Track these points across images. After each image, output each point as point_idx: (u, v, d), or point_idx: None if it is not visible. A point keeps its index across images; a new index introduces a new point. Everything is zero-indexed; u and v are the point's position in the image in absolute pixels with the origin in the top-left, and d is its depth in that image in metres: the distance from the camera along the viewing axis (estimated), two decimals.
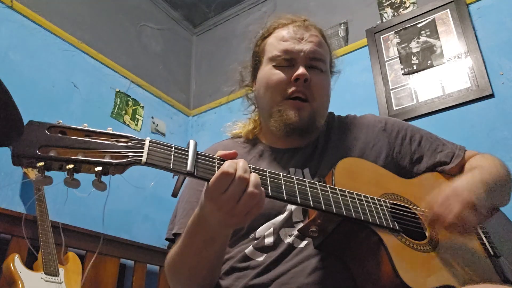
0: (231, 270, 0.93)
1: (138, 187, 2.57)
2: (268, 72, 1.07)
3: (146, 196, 2.69)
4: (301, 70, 1.02)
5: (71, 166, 0.61)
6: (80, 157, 0.61)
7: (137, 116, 2.90)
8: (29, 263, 1.78)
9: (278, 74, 1.05)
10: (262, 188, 0.72)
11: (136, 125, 2.87)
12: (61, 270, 1.80)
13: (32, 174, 1.96)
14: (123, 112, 2.80)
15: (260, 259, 0.90)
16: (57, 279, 1.75)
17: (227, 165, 0.69)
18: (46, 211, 1.88)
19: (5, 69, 2.14)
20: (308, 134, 1.06)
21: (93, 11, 2.84)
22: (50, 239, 1.81)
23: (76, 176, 0.62)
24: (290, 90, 1.03)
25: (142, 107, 2.97)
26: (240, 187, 0.69)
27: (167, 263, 0.94)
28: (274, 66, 1.07)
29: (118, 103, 2.78)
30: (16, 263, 1.70)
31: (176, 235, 0.99)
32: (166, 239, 1.04)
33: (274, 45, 1.09)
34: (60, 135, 0.63)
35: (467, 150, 1.12)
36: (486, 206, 0.86)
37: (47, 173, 0.61)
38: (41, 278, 1.70)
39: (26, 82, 2.23)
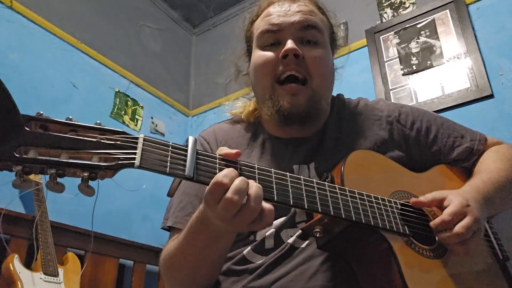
0: (228, 272, 0.89)
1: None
2: (256, 56, 0.97)
3: (145, 196, 2.69)
4: (289, 44, 0.89)
5: (53, 171, 0.54)
6: (64, 160, 0.54)
7: (136, 116, 2.90)
8: (28, 263, 1.78)
9: (265, 55, 0.94)
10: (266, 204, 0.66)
11: (136, 125, 2.87)
12: (61, 271, 1.80)
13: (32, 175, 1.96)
14: (123, 112, 2.80)
15: (259, 261, 0.85)
16: (57, 279, 1.75)
17: (222, 175, 0.63)
18: (46, 211, 1.88)
19: (4, 69, 2.13)
20: (309, 120, 0.94)
21: (92, 11, 2.84)
22: (49, 239, 1.81)
23: (61, 178, 0.56)
24: (279, 70, 0.91)
25: (142, 107, 2.97)
26: (235, 203, 0.62)
27: (164, 260, 0.88)
28: (262, 47, 0.96)
29: (117, 103, 2.78)
30: (15, 263, 1.70)
31: (172, 228, 0.94)
32: (162, 228, 0.99)
33: (260, 24, 0.99)
34: (41, 130, 0.55)
35: (488, 138, 1.04)
36: (485, 216, 0.84)
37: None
38: (40, 278, 1.70)
39: (26, 82, 2.23)
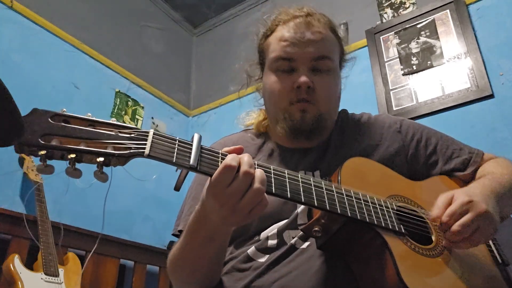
0: (233, 270, 0.92)
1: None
2: (271, 80, 1.03)
3: (146, 197, 2.69)
4: (303, 78, 0.97)
5: (73, 155, 0.60)
6: (82, 147, 0.61)
7: (137, 117, 2.90)
8: (29, 264, 1.78)
9: (281, 83, 1.00)
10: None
11: (136, 125, 2.87)
12: (61, 271, 1.80)
13: (32, 174, 1.97)
14: (123, 112, 2.80)
15: (262, 260, 0.89)
16: (57, 280, 1.75)
17: (230, 158, 0.68)
18: (46, 212, 1.89)
19: (6, 70, 2.14)
20: (316, 135, 1.02)
21: (94, 12, 2.84)
22: (50, 239, 1.81)
23: (78, 166, 0.62)
24: (293, 96, 0.99)
25: (142, 107, 2.97)
26: (245, 182, 0.67)
27: (169, 260, 0.93)
28: (275, 71, 1.02)
29: (117, 103, 2.78)
30: (16, 263, 1.70)
31: (181, 232, 0.97)
32: (173, 234, 1.03)
33: (274, 46, 1.03)
34: (63, 124, 0.63)
35: (485, 154, 1.08)
36: (498, 215, 0.85)
37: (48, 162, 0.61)
38: (41, 278, 1.70)
39: (27, 83, 2.23)
